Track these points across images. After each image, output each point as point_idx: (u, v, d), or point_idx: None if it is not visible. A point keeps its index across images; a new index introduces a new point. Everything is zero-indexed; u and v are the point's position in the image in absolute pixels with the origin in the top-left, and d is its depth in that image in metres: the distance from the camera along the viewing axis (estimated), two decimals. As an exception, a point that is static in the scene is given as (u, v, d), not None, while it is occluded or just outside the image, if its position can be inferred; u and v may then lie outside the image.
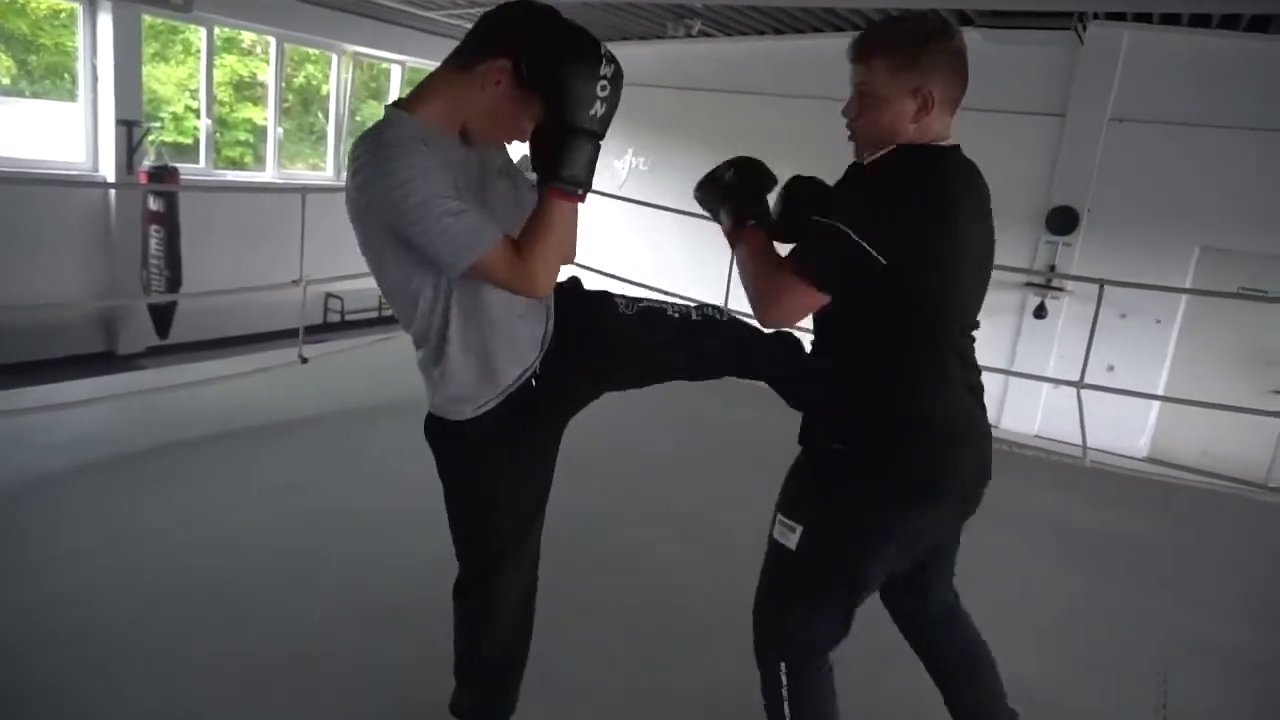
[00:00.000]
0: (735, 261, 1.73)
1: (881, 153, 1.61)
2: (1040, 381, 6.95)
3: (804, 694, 1.65)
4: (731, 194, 1.79)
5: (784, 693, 1.64)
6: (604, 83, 1.43)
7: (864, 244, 1.46)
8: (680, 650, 2.60)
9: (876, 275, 1.48)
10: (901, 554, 1.66)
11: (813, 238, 1.56)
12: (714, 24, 8.36)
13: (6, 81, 6.83)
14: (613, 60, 1.44)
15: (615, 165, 9.70)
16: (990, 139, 7.64)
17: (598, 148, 1.48)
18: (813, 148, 8.91)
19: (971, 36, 7.24)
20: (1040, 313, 7.60)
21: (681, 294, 5.97)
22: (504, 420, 1.60)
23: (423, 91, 1.56)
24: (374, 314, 8.77)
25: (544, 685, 2.33)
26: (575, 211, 1.51)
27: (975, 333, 1.70)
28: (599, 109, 1.43)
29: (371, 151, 1.44)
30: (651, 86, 9.49)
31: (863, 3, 6.68)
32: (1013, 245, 7.50)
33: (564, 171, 1.45)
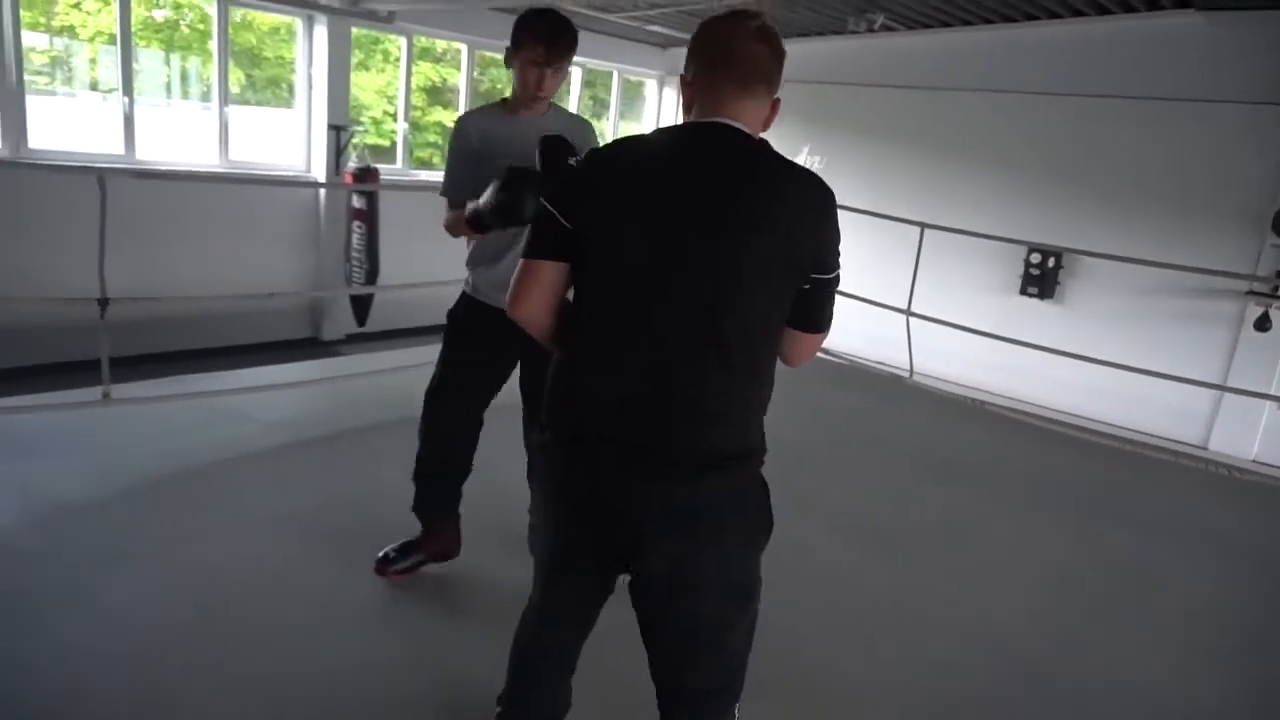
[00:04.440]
0: None
1: None
2: (1263, 400, 6.27)
3: None
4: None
5: None
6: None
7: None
8: (839, 645, 2.56)
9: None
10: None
11: None
12: (898, 17, 8.07)
13: (236, 91, 7.59)
14: None
15: (789, 163, 9.56)
16: (1206, 131, 7.02)
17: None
18: (998, 143, 8.48)
19: (1192, 20, 6.64)
20: (1263, 324, 6.85)
21: (852, 294, 5.84)
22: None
23: None
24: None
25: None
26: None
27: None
28: None
29: None
30: (828, 84, 9.30)
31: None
32: (1231, 249, 6.81)
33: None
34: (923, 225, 5.51)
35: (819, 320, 1.57)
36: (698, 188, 1.42)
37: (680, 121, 1.56)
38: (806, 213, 1.47)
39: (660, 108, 10.93)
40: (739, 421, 1.49)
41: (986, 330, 5.48)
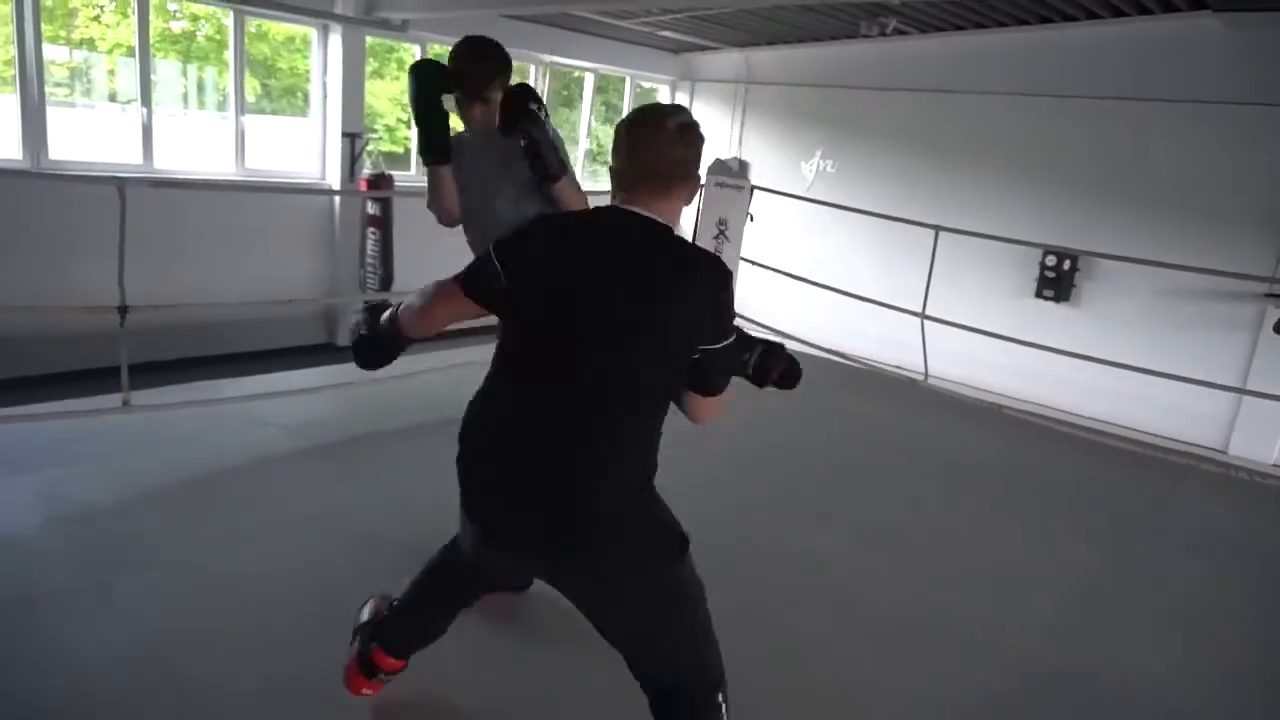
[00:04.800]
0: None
1: None
2: None
3: None
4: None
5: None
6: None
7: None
8: (848, 651, 2.55)
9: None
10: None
11: None
12: (910, 21, 8.06)
13: (252, 100, 7.66)
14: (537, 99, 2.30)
15: (803, 167, 9.57)
16: (1224, 133, 6.97)
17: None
18: (1012, 146, 8.44)
19: (1208, 21, 6.59)
20: (1282, 327, 6.79)
21: (867, 297, 5.83)
22: None
23: None
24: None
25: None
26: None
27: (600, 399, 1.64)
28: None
29: None
30: (841, 88, 9.31)
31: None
32: (1250, 251, 6.75)
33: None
34: (937, 228, 5.49)
35: (711, 385, 1.74)
36: (611, 270, 1.64)
37: (610, 204, 1.76)
38: (701, 296, 1.66)
39: (673, 113, 10.96)
40: (634, 465, 1.67)
41: (1002, 333, 5.45)
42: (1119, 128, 7.57)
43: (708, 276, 1.67)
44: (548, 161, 2.34)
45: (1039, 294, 8.05)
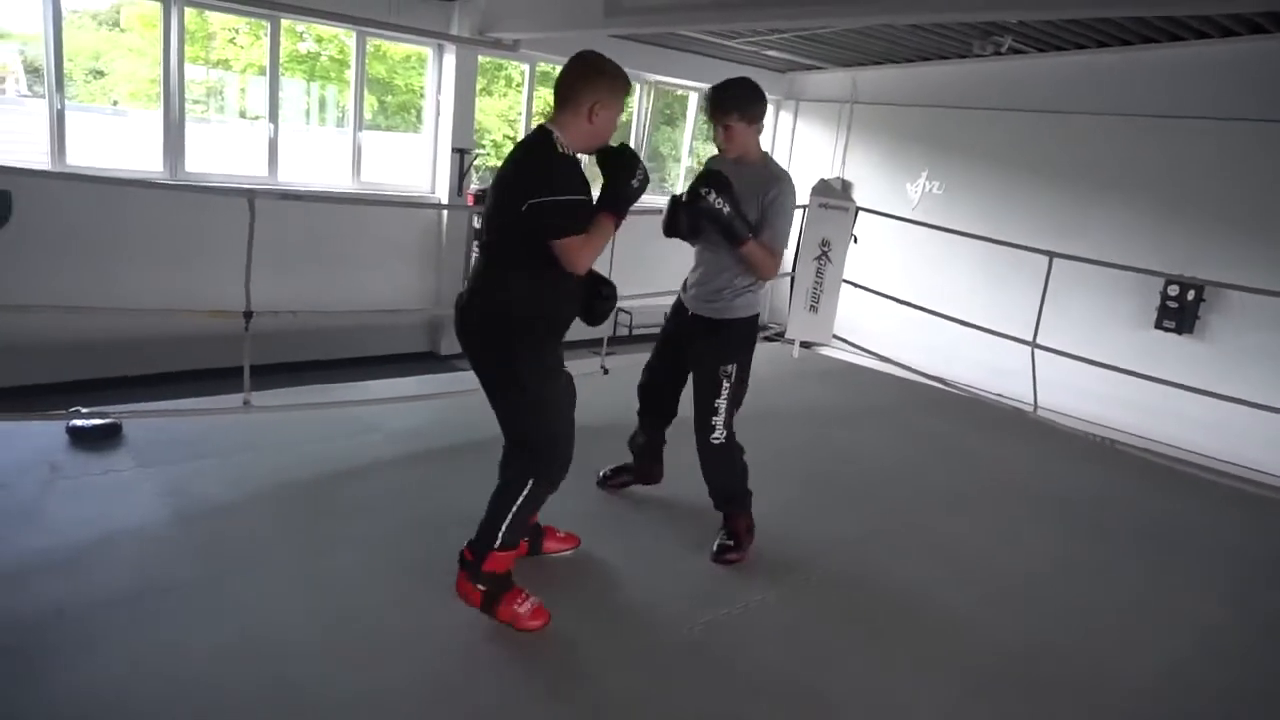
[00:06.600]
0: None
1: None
2: None
3: None
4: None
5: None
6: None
7: None
8: (935, 679, 2.46)
9: None
10: None
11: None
12: (1027, 39, 7.81)
13: (369, 117, 8.00)
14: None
15: (908, 188, 9.38)
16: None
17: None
18: (1132, 168, 8.04)
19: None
20: None
21: (974, 324, 5.64)
22: None
23: None
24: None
25: (796, 691, 2.32)
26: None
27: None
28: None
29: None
30: (950, 108, 9.09)
31: (1202, 8, 5.89)
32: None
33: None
34: (1051, 254, 5.29)
35: (546, 230, 2.32)
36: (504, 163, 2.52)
37: None
38: (527, 166, 2.39)
39: (776, 131, 10.89)
40: (492, 291, 2.47)
41: (1118, 365, 5.20)
42: (1248, 151, 7.15)
43: (535, 158, 2.37)
44: (735, 232, 2.92)
45: (1159, 324, 7.65)
